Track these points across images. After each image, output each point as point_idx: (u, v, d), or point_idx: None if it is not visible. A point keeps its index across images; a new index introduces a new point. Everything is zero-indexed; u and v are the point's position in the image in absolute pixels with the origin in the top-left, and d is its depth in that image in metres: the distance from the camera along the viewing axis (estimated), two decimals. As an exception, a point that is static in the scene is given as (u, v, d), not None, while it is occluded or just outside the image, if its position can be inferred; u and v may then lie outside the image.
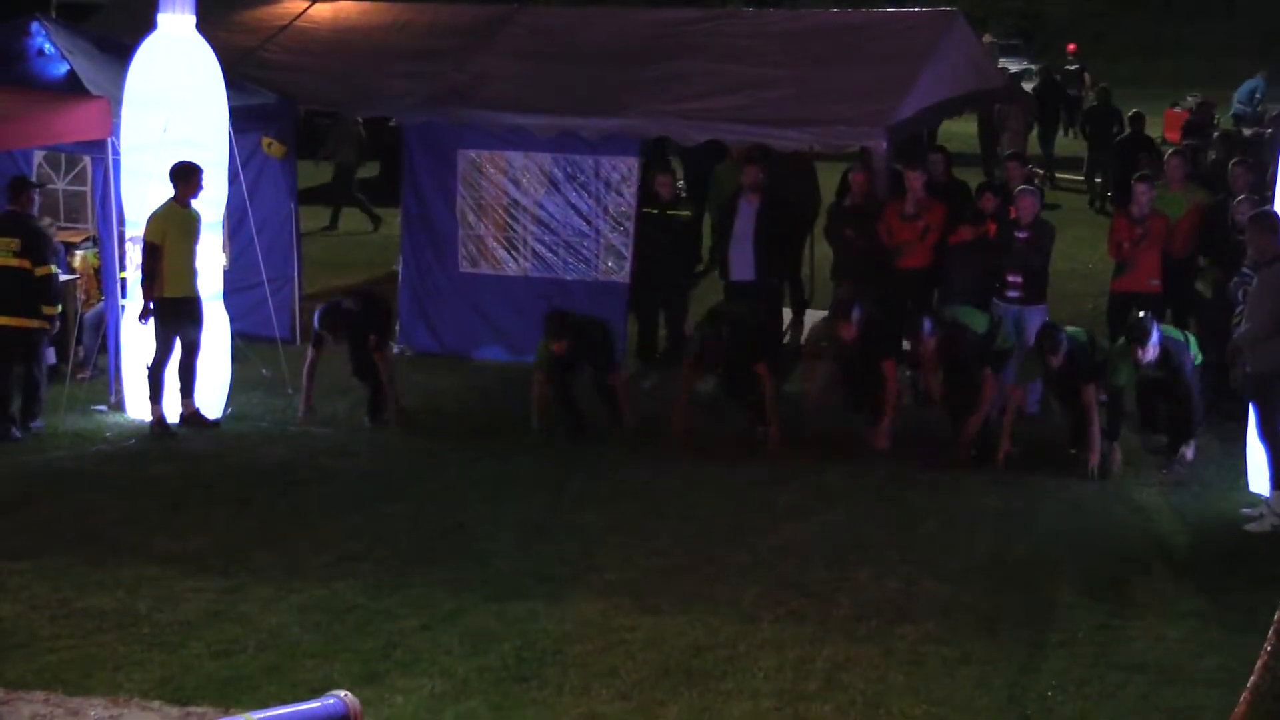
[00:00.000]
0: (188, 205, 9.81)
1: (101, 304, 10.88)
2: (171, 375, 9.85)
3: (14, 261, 9.52)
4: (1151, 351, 8.98)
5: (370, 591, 7.17)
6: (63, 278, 10.94)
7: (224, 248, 10.78)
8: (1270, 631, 4.81)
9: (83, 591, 7.15)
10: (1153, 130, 21.01)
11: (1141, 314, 9.33)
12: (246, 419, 10.14)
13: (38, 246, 9.68)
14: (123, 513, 8.42)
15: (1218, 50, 41.28)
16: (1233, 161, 12.15)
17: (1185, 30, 48.10)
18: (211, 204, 10.11)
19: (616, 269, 11.69)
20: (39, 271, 9.59)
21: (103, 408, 10.47)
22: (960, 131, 21.69)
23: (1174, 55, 43.93)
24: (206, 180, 9.82)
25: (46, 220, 11.13)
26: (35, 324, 9.67)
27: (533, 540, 7.88)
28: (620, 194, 11.67)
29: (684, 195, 12.54)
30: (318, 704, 4.10)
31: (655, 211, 11.49)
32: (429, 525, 8.17)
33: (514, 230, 12.05)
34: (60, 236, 11.45)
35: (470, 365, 11.79)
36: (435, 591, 7.15)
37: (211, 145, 10.20)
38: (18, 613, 6.95)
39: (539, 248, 11.95)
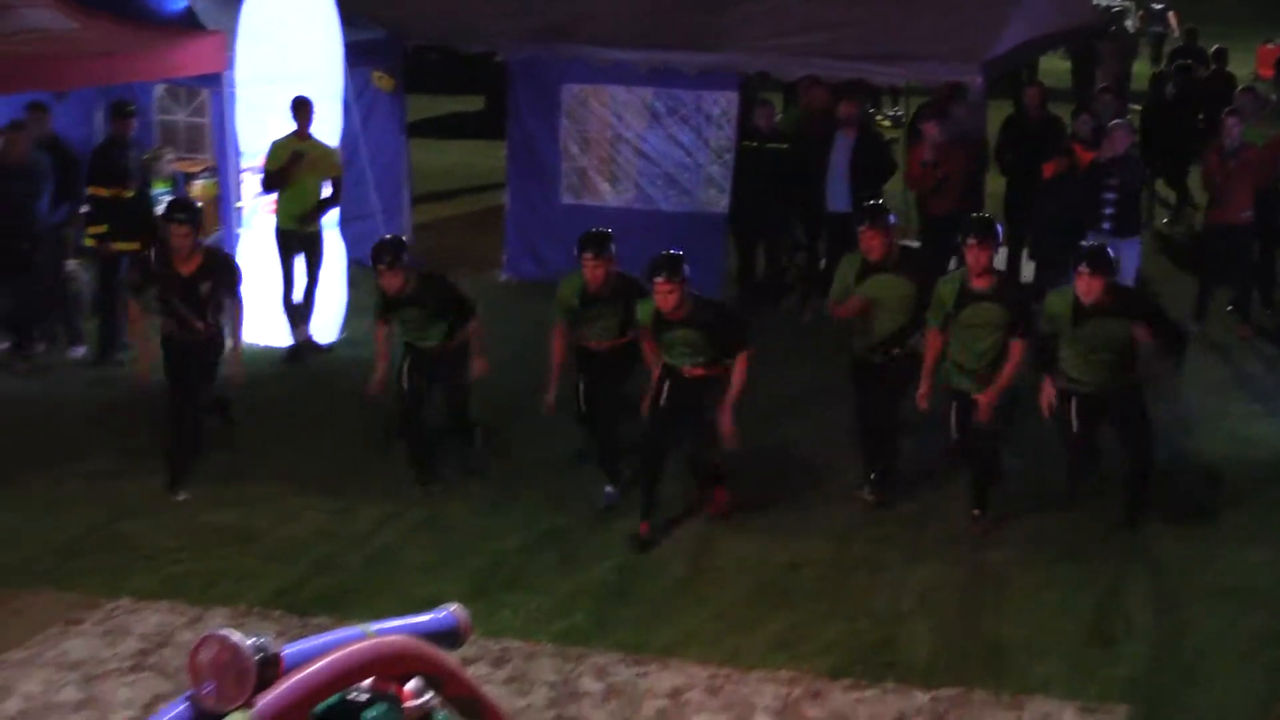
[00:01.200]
0: (309, 137, 10.08)
1: (219, 233, 11.15)
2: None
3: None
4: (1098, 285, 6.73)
5: (476, 512, 7.39)
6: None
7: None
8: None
9: (205, 508, 7.45)
10: (1242, 67, 20.76)
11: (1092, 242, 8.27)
12: (360, 344, 10.39)
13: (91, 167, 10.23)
14: (242, 434, 8.74)
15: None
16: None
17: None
18: (327, 137, 10.40)
19: (716, 201, 11.79)
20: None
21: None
22: (1053, 68, 21.44)
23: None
24: (320, 113, 10.20)
25: (168, 149, 11.63)
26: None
27: (631, 463, 7.97)
28: (720, 127, 11.76)
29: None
30: (430, 617, 4.26)
31: (755, 144, 11.52)
32: (532, 448, 8.32)
33: (616, 163, 12.24)
34: (180, 166, 11.81)
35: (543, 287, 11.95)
36: (538, 512, 7.35)
37: (325, 79, 10.42)
38: (145, 528, 7.27)
39: (640, 180, 12.11)
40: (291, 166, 10.14)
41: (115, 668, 5.75)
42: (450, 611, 4.17)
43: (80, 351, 10.38)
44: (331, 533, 7.13)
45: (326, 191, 10.27)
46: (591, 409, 7.70)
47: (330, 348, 10.29)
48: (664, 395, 7.11)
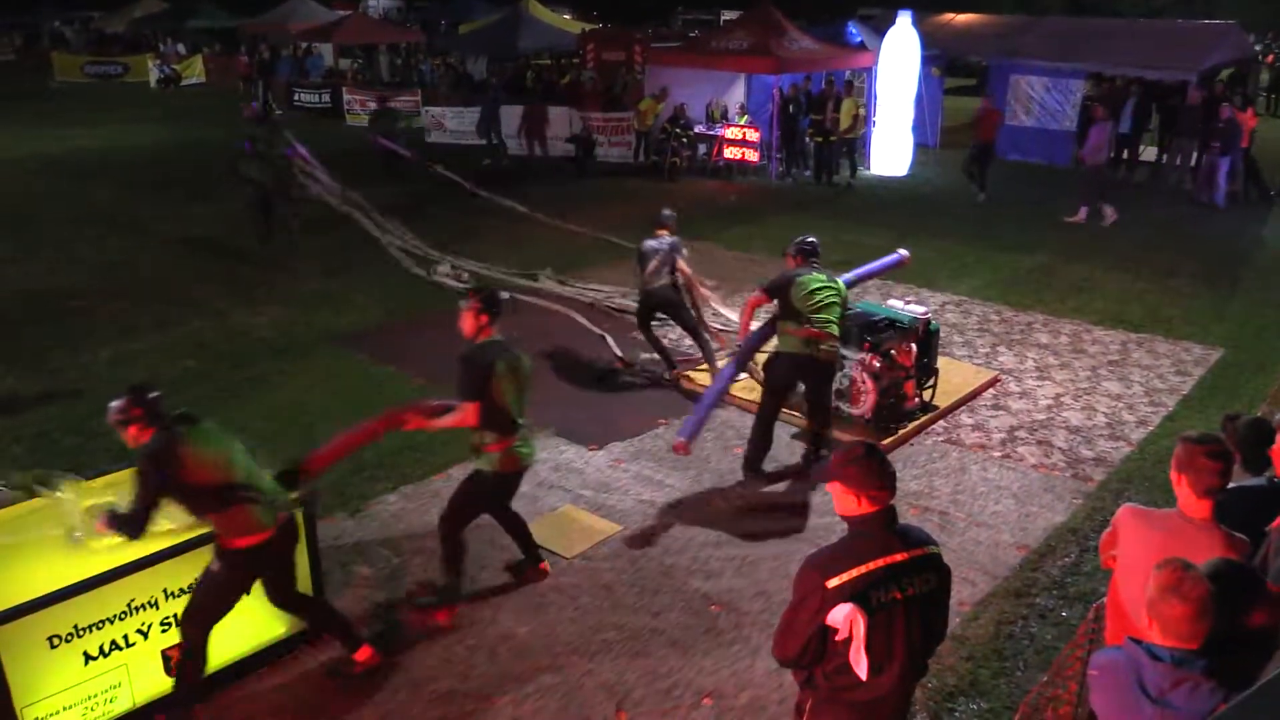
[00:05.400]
0: (853, 96, 19.87)
1: (865, 129, 20.59)
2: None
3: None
4: None
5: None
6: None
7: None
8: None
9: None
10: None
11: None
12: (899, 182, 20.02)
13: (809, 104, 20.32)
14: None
15: None
16: None
17: None
18: (907, 97, 19.50)
19: (1068, 125, 19.86)
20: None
21: (863, 169, 19.63)
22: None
23: None
24: (901, 87, 19.70)
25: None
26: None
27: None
28: (1074, 94, 19.63)
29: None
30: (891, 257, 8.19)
31: (1090, 101, 19.56)
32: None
33: (1029, 107, 20.30)
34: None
35: (1008, 162, 19.89)
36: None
37: (910, 70, 19.06)
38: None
39: (1038, 113, 20.13)
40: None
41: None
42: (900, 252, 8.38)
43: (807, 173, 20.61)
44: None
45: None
46: None
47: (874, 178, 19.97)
48: None
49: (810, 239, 7.14)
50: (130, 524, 4.39)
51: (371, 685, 5.19)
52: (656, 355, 9.24)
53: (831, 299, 6.87)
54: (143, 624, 4.84)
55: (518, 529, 5.96)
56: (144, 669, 4.88)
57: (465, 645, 5.50)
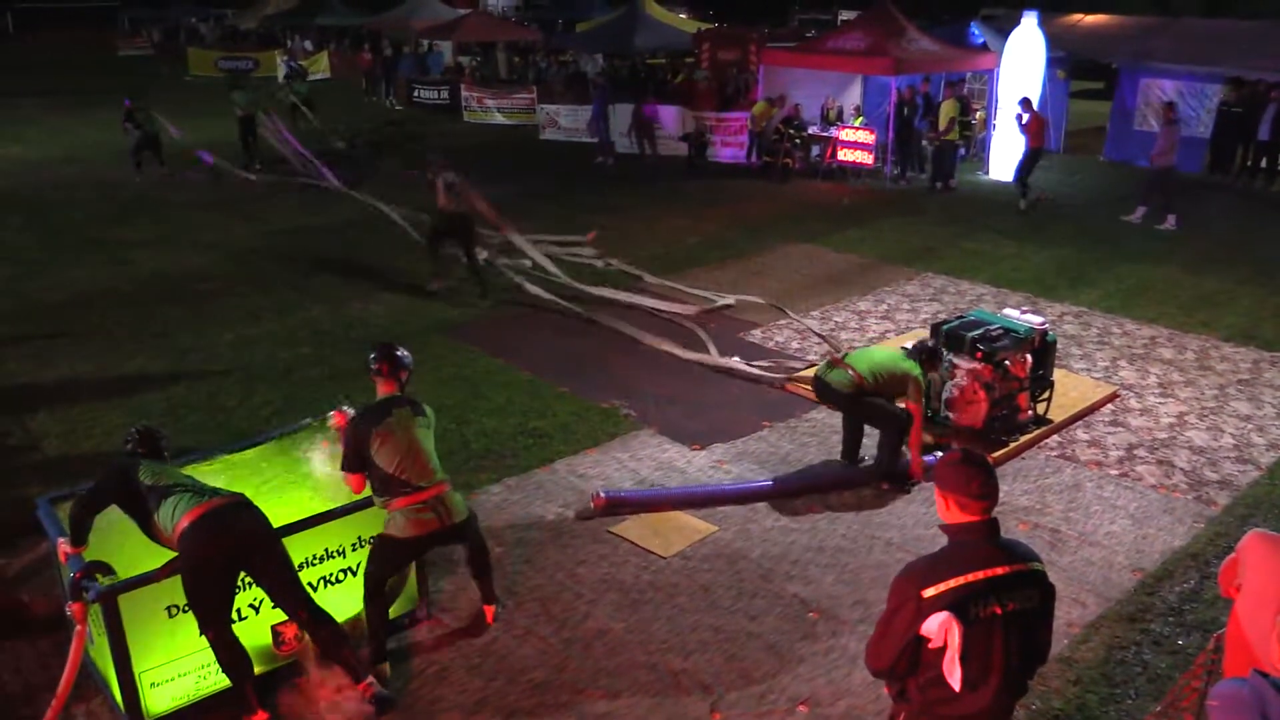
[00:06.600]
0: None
1: (985, 133, 20.27)
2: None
3: None
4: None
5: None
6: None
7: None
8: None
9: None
10: None
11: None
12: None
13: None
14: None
15: None
16: None
17: None
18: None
19: (1204, 132, 18.87)
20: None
21: (982, 174, 19.26)
22: None
23: None
24: (1029, 87, 19.05)
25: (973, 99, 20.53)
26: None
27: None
28: (1210, 99, 18.75)
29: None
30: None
31: (1227, 108, 18.42)
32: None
33: (1159, 112, 19.75)
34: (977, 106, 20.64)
35: (1139, 169, 19.29)
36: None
37: (1035, 72, 18.36)
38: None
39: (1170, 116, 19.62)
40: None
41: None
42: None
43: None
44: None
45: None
46: None
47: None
48: None
49: (920, 343, 7.55)
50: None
51: (469, 673, 5.28)
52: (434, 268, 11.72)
53: (869, 355, 7.26)
54: (254, 599, 5.02)
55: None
56: (255, 643, 5.05)
57: (561, 638, 5.55)
